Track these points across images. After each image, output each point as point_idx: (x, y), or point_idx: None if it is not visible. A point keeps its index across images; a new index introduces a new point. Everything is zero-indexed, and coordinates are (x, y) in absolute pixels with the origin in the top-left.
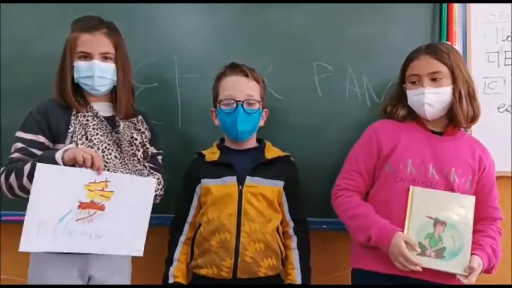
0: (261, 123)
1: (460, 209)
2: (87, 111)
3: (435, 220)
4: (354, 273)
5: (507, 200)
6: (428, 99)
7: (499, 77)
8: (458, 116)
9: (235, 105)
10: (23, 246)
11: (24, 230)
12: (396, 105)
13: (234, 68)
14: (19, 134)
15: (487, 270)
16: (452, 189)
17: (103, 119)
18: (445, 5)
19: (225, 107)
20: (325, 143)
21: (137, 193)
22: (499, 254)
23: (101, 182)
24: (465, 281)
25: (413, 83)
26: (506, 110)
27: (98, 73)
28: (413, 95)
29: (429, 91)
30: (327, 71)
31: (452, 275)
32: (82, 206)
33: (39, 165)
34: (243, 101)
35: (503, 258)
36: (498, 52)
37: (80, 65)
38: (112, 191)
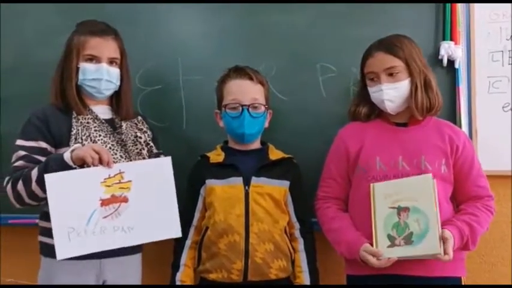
0: (266, 124)
1: (420, 189)
2: (87, 114)
3: (398, 208)
4: (347, 279)
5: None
6: (387, 95)
7: (503, 76)
8: (413, 110)
9: (240, 109)
10: (60, 255)
11: (56, 240)
12: (359, 104)
13: (239, 71)
14: (20, 142)
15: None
16: None
17: (103, 121)
18: (448, 5)
19: (231, 110)
20: (330, 144)
21: (155, 175)
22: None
23: (115, 175)
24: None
25: (372, 79)
26: (511, 109)
27: (106, 77)
28: (373, 92)
29: (387, 87)
30: (330, 71)
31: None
32: (104, 202)
33: (47, 176)
34: (249, 105)
35: (504, 259)
36: (502, 51)
37: (87, 67)
38: (130, 181)
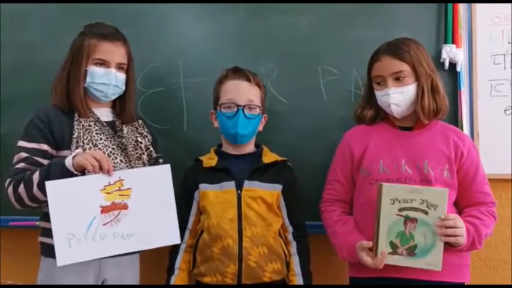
0: (260, 128)
1: (432, 203)
2: (89, 117)
3: (406, 217)
4: (350, 281)
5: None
6: (394, 99)
7: (505, 79)
8: (419, 114)
9: (236, 109)
10: (61, 261)
11: (56, 246)
12: (365, 107)
13: (237, 72)
14: (21, 143)
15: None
16: (428, 181)
17: (105, 124)
18: (450, 5)
19: (226, 110)
20: (331, 146)
21: (155, 182)
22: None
23: (115, 182)
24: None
25: (379, 83)
26: None
27: (114, 82)
28: (380, 96)
29: (394, 91)
30: (332, 74)
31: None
32: (104, 210)
33: (48, 183)
34: (244, 106)
35: (505, 262)
36: (504, 54)
37: (96, 71)
38: (129, 188)
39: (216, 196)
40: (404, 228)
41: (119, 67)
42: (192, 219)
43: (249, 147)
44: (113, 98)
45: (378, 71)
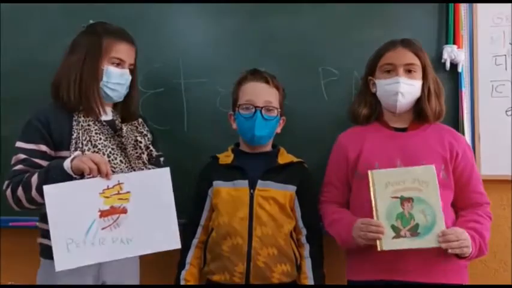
0: (278, 130)
1: (422, 180)
2: (88, 116)
3: (401, 198)
4: (348, 284)
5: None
6: (402, 88)
7: (507, 80)
8: (427, 111)
9: (253, 110)
10: (59, 266)
11: (55, 251)
12: (359, 104)
13: (255, 74)
14: (20, 144)
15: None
16: None
17: (104, 123)
18: (451, 6)
19: (244, 111)
20: (331, 147)
21: (154, 186)
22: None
23: (114, 186)
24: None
25: (388, 71)
26: None
27: (127, 82)
28: (386, 84)
29: (404, 81)
30: (332, 75)
31: (443, 272)
32: (103, 214)
33: (46, 187)
34: (262, 107)
35: (506, 264)
36: (505, 55)
37: (113, 70)
38: (128, 192)
39: (229, 194)
40: (402, 209)
41: (130, 68)
42: (205, 215)
43: (266, 147)
44: (122, 98)
45: (390, 60)
